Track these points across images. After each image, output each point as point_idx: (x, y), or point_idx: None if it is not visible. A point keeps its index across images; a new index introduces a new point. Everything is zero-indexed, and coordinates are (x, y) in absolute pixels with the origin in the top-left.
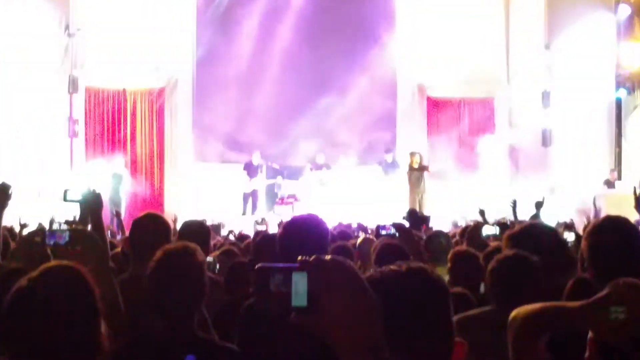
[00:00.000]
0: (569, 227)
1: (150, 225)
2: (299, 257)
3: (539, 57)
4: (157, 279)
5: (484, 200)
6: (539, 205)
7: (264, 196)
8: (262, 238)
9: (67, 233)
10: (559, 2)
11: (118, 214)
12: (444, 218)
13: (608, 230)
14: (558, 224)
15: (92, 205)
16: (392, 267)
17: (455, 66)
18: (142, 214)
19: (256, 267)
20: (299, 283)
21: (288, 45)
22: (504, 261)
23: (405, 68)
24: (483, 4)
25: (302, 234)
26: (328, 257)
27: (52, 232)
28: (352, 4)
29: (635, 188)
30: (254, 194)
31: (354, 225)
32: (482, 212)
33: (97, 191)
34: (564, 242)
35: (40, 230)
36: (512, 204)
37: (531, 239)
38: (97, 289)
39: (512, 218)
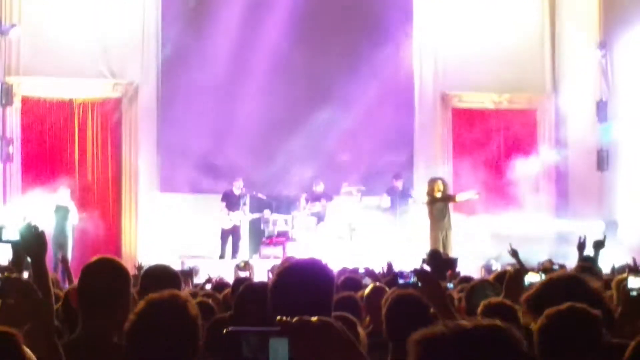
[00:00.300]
0: (634, 270)
1: (105, 273)
2: (278, 318)
3: (592, 59)
4: (139, 336)
5: (524, 237)
6: (598, 245)
7: (248, 234)
8: (246, 288)
9: None
10: None
11: (64, 260)
12: (474, 261)
13: None
14: (614, 268)
15: (32, 248)
16: (460, 322)
17: (488, 70)
18: (94, 258)
19: (225, 330)
20: (279, 350)
21: (277, 44)
22: (556, 317)
23: (424, 73)
24: None
25: (302, 284)
26: (314, 318)
27: None
28: None
29: None
30: (235, 232)
31: (361, 270)
32: (514, 253)
33: (40, 229)
34: (597, 291)
35: None
36: (580, 240)
37: (555, 299)
38: (33, 356)
39: (561, 262)
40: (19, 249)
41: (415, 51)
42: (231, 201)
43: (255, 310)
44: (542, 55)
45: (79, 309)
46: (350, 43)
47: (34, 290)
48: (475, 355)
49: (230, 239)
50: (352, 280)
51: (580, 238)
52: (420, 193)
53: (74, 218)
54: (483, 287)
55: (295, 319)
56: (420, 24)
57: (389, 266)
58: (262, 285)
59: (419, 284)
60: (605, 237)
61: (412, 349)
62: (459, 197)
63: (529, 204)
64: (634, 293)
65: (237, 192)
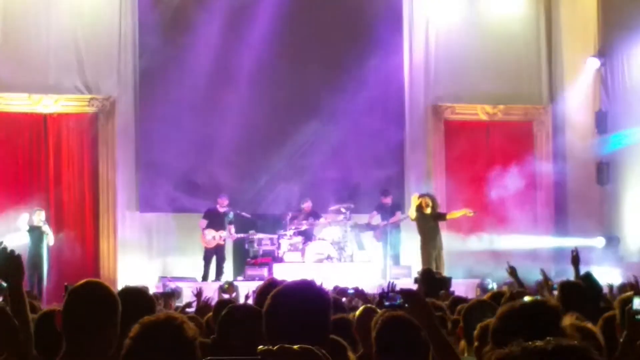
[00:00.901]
0: (636, 288)
1: (92, 297)
2: (259, 347)
3: (591, 68)
4: None
5: (520, 254)
6: (575, 261)
7: (232, 255)
8: (229, 311)
9: None
10: None
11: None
12: (468, 279)
13: None
14: (610, 285)
15: (8, 273)
16: (537, 343)
17: (482, 80)
18: (81, 281)
19: None
20: None
21: (261, 55)
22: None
23: (415, 84)
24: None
25: (297, 307)
26: (296, 346)
27: None
28: (344, 1)
29: None
30: (218, 252)
31: (350, 291)
32: (513, 271)
33: (16, 253)
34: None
35: None
36: (573, 254)
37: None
38: None
39: (551, 280)
40: None
41: (405, 62)
42: (215, 219)
43: (240, 334)
44: (538, 64)
45: (63, 333)
46: (336, 54)
47: (9, 317)
48: None
49: (213, 259)
50: (335, 301)
51: (572, 252)
52: (410, 209)
53: (50, 239)
54: (481, 308)
55: (276, 347)
56: (410, 33)
57: (392, 287)
58: (245, 308)
59: (406, 305)
60: (576, 250)
61: None
62: (450, 216)
63: (525, 219)
64: None
65: (221, 209)
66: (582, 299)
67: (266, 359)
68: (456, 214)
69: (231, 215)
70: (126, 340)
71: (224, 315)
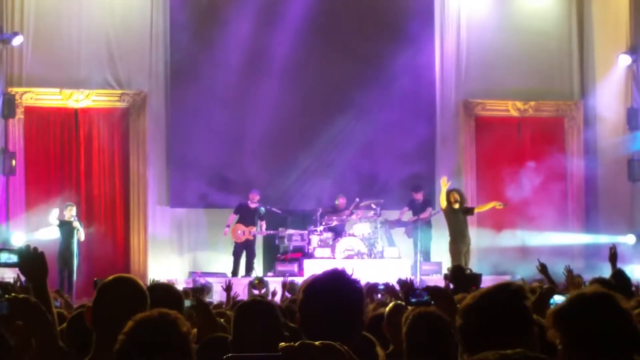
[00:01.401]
0: None
1: (122, 292)
2: (281, 344)
3: (622, 64)
4: (130, 356)
5: (551, 250)
6: (613, 258)
7: (262, 250)
8: (242, 309)
9: (6, 303)
10: None
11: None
12: (496, 276)
13: None
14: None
15: (32, 271)
16: (503, 351)
17: (513, 76)
18: (111, 277)
19: (225, 357)
20: None
21: (291, 51)
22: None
23: (446, 79)
24: None
25: (330, 296)
26: (317, 342)
27: None
28: None
29: None
30: (248, 247)
31: (380, 286)
32: (544, 268)
33: (40, 250)
34: (628, 312)
35: None
36: (612, 251)
37: (583, 316)
38: None
39: (580, 276)
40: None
41: (436, 57)
42: (246, 215)
43: (256, 331)
44: (569, 60)
45: (93, 329)
46: (367, 50)
47: (43, 312)
48: None
49: (243, 255)
50: None
51: (610, 249)
52: (440, 196)
53: (81, 235)
54: None
55: (297, 343)
56: (442, 29)
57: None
58: (258, 304)
59: (432, 302)
60: (614, 247)
61: None
62: (479, 209)
63: (556, 215)
64: None
65: (252, 205)
66: None
67: (287, 356)
68: (485, 206)
69: (262, 210)
70: (120, 336)
71: (236, 315)
